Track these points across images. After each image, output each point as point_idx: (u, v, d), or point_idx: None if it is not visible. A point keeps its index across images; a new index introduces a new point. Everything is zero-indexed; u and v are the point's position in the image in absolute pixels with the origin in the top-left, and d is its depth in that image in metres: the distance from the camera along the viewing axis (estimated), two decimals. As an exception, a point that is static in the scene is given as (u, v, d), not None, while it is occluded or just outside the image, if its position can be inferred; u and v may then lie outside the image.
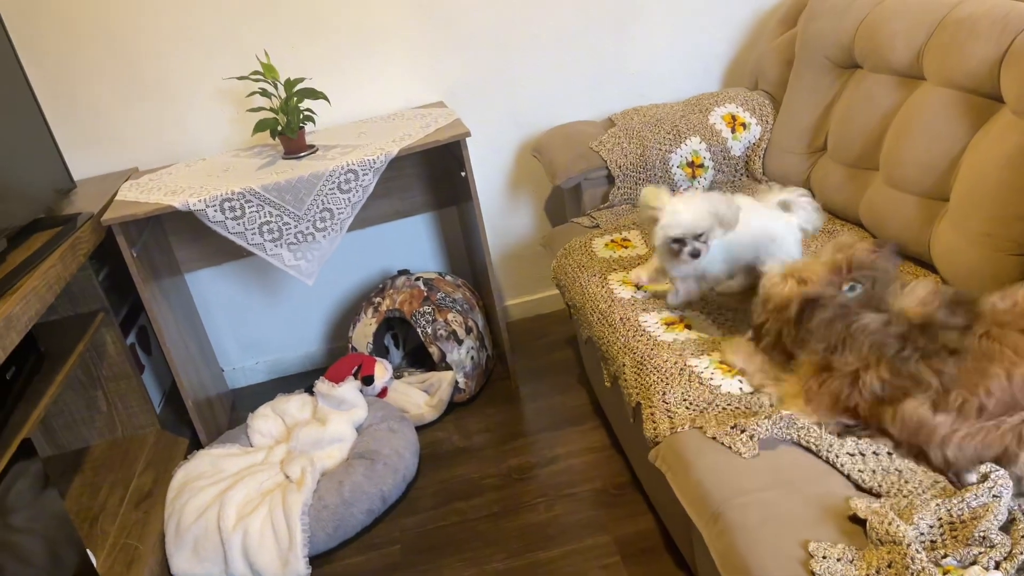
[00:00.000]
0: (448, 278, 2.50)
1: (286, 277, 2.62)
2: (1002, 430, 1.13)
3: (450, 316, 2.36)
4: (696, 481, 1.25)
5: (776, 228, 1.65)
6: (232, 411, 2.61)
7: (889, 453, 1.22)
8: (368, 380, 2.30)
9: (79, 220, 1.94)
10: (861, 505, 1.12)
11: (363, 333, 2.43)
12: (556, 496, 1.97)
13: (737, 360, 1.47)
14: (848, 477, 1.21)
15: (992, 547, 1.02)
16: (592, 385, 2.30)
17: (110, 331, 2.14)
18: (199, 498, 1.93)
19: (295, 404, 2.28)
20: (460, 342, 2.35)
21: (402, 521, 1.99)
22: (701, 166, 2.29)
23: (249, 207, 2.02)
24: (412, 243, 2.68)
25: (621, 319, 1.72)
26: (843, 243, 1.39)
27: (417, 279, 2.44)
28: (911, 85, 1.82)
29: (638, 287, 1.83)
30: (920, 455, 1.20)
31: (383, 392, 2.35)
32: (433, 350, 2.34)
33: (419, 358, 2.58)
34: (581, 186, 2.31)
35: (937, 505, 1.10)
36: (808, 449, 1.26)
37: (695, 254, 1.55)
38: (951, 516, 1.09)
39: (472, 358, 2.38)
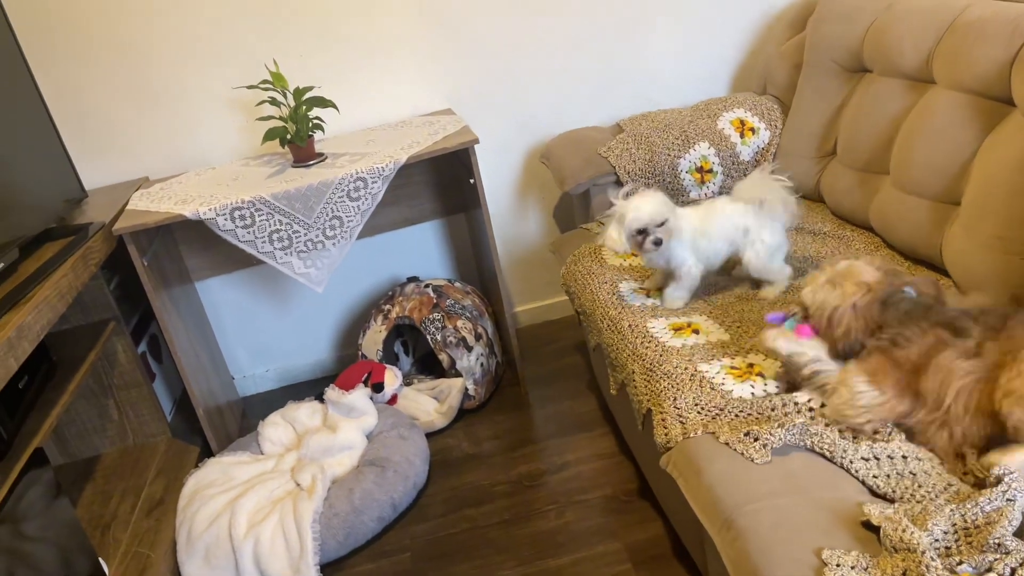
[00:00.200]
0: (457, 285, 2.51)
1: (296, 285, 2.63)
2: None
3: (459, 323, 2.36)
4: (708, 487, 1.25)
5: (745, 221, 1.76)
6: (243, 419, 2.62)
7: (904, 456, 1.21)
8: (378, 387, 2.30)
9: (90, 230, 1.95)
10: (875, 512, 1.11)
11: (373, 340, 2.43)
12: (566, 503, 1.96)
13: (783, 345, 1.42)
14: (863, 483, 1.20)
15: (1008, 553, 1.01)
16: (601, 391, 2.29)
17: (121, 340, 2.15)
18: (210, 506, 1.94)
19: (305, 411, 2.28)
20: (470, 349, 2.35)
21: (412, 528, 1.99)
22: (710, 171, 2.29)
23: (259, 215, 2.03)
24: (421, 250, 2.69)
25: (630, 326, 1.72)
26: (842, 270, 1.40)
27: (426, 286, 2.45)
28: (921, 89, 1.81)
29: (648, 294, 1.87)
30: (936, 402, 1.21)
31: (393, 399, 2.35)
32: (443, 357, 2.34)
33: (429, 365, 2.58)
34: (590, 192, 2.30)
35: (951, 511, 1.09)
36: (821, 455, 1.25)
37: (657, 242, 1.70)
38: (965, 521, 1.08)
39: (482, 365, 2.38)
